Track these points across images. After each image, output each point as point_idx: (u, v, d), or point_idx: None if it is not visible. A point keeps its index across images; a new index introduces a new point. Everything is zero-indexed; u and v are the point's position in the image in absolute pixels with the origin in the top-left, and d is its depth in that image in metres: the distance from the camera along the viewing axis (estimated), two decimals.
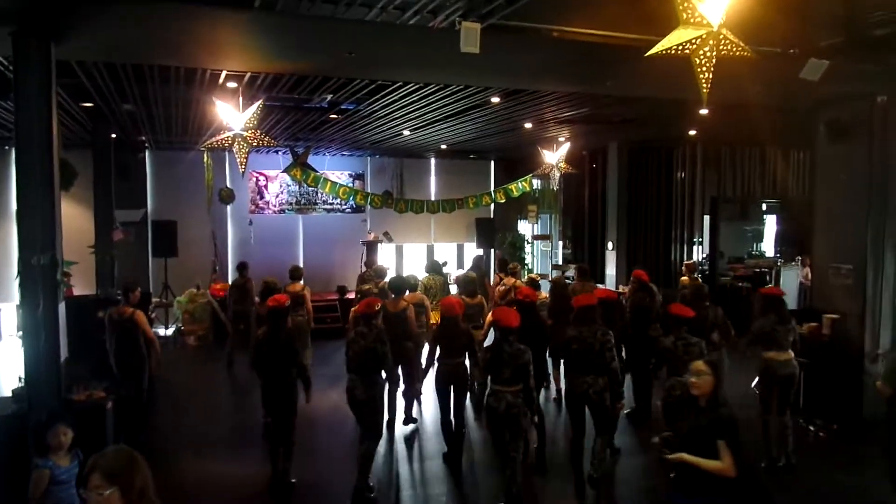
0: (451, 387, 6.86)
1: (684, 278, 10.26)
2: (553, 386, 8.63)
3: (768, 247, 16.19)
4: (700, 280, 10.32)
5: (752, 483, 4.19)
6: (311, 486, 6.40)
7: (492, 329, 6.25)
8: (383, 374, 6.27)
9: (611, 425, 6.60)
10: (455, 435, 6.94)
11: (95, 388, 6.23)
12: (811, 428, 7.82)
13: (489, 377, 5.64)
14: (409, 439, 7.69)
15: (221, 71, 7.34)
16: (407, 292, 8.19)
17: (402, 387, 7.76)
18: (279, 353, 6.22)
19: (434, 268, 10.37)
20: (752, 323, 6.98)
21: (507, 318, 5.79)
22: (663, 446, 4.07)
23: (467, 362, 6.93)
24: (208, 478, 6.62)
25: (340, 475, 6.50)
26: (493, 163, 17.69)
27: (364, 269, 12.59)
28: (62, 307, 5.71)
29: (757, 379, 7.05)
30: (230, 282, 14.27)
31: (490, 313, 6.73)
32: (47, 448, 4.31)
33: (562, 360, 6.72)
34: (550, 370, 7.63)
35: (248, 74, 7.47)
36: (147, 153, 14.57)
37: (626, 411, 8.00)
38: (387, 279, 9.88)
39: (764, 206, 15.88)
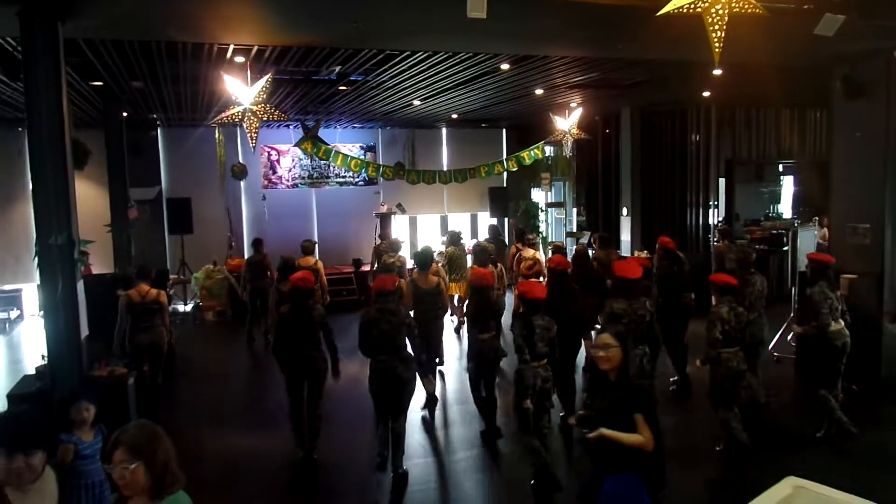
0: (489, 361, 6.70)
1: (720, 244, 10.11)
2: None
3: (786, 208, 16.02)
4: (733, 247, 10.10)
5: (657, 458, 3.90)
6: (333, 461, 6.45)
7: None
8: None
9: None
10: (490, 410, 6.84)
11: (117, 364, 6.34)
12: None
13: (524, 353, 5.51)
14: (430, 413, 7.63)
15: (228, 45, 7.31)
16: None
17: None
18: (306, 332, 6.17)
19: (454, 240, 10.35)
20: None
21: (533, 291, 5.72)
22: (581, 426, 3.88)
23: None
24: (228, 453, 6.73)
25: (362, 448, 6.60)
26: (504, 131, 17.57)
27: (378, 241, 12.61)
28: (81, 285, 5.78)
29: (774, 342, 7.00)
30: (246, 258, 14.46)
31: (517, 286, 6.56)
32: (71, 423, 4.41)
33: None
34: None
35: (256, 48, 7.43)
36: (159, 131, 14.63)
37: (671, 388, 7.98)
38: (402, 253, 9.90)
39: (780, 168, 15.68)
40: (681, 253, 8.57)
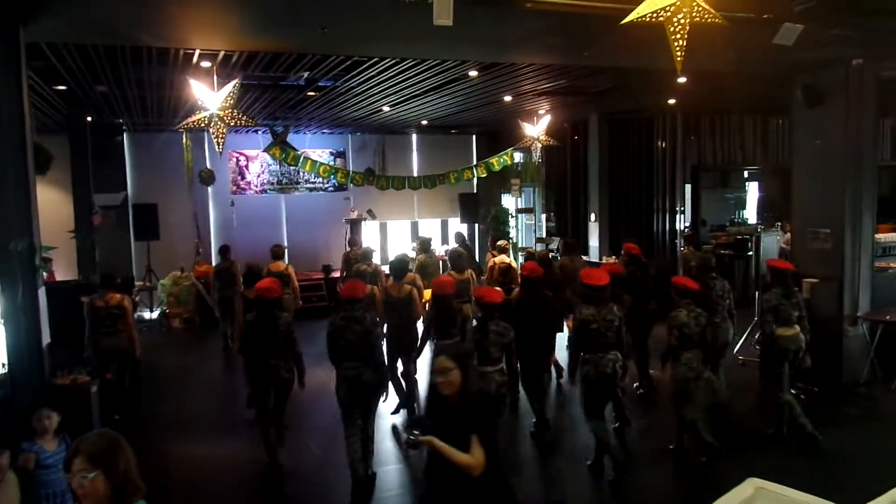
0: None
1: (685, 250, 10.25)
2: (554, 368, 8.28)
3: (751, 214, 16.30)
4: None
5: (500, 482, 3.61)
6: (301, 467, 6.41)
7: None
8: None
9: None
10: None
11: (80, 372, 6.23)
12: (792, 391, 7.94)
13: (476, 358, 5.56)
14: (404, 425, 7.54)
15: (194, 50, 7.26)
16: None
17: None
18: (271, 339, 6.12)
19: (424, 247, 10.38)
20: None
21: (489, 297, 5.80)
22: (411, 447, 3.74)
23: None
24: (194, 462, 6.65)
25: (331, 455, 6.56)
26: (474, 137, 17.65)
27: (348, 248, 12.58)
28: (42, 292, 5.69)
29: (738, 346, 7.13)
30: (213, 264, 14.30)
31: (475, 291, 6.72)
32: (33, 432, 4.34)
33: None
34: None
35: (222, 53, 7.39)
36: (125, 135, 14.44)
37: (638, 391, 8.09)
38: (375, 260, 9.89)
39: (745, 174, 15.97)
40: (645, 259, 8.73)
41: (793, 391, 7.74)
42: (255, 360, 6.16)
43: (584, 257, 12.09)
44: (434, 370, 3.60)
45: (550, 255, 10.43)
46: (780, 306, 6.50)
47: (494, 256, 9.98)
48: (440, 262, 10.75)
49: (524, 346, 6.59)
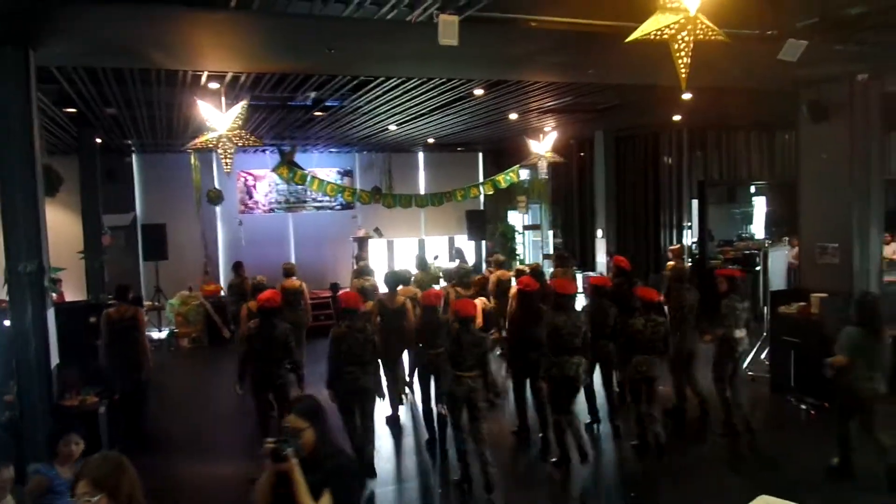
0: (433, 377, 7.08)
1: (671, 263, 10.34)
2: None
3: (758, 229, 16.25)
4: (686, 264, 10.47)
5: None
6: None
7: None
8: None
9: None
10: (439, 423, 7.06)
11: (88, 393, 6.25)
12: (802, 406, 7.88)
13: (451, 365, 5.96)
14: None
15: (202, 72, 7.33)
16: (401, 286, 8.23)
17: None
18: (272, 348, 6.46)
19: (421, 264, 10.52)
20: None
21: (464, 309, 6.14)
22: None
23: None
24: (203, 481, 6.64)
25: None
26: (481, 154, 17.70)
27: (356, 265, 12.61)
28: (51, 313, 5.72)
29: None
30: (221, 283, 14.36)
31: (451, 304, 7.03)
32: (55, 456, 4.31)
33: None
34: None
35: (230, 74, 7.47)
36: (134, 157, 14.54)
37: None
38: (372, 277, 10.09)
39: (752, 189, 15.95)
40: (632, 272, 8.79)
41: (803, 406, 7.77)
42: (255, 366, 6.55)
43: (591, 273, 12.08)
44: (286, 431, 3.08)
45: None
46: (739, 311, 7.04)
47: (492, 273, 10.10)
48: (439, 278, 10.86)
49: (518, 358, 7.06)
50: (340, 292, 6.86)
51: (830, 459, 5.98)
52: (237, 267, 11.28)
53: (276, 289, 8.75)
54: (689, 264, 13.09)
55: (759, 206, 16.39)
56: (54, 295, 7.91)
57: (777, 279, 9.94)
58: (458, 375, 5.88)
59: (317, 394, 7.11)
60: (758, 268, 11.33)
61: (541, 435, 7.05)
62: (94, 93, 8.28)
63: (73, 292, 11.92)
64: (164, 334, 13.60)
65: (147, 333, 8.40)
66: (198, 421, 8.61)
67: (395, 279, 8.00)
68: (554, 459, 6.54)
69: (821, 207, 8.55)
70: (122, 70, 7.32)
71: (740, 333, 7.07)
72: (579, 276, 12.97)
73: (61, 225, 11.78)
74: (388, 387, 7.74)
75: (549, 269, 12.86)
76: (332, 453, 3.13)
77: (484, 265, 14.94)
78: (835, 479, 5.88)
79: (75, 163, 11.31)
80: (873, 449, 5.74)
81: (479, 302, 8.06)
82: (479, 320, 7.84)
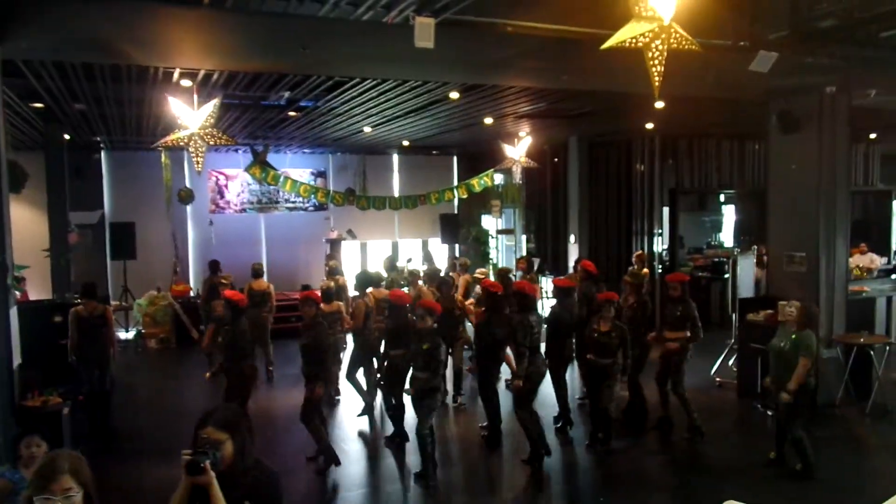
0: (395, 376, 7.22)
1: (633, 269, 10.45)
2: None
3: (727, 237, 16.47)
4: (647, 271, 10.66)
5: None
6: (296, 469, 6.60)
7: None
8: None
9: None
10: (399, 416, 7.36)
11: (51, 393, 6.11)
12: (769, 413, 7.98)
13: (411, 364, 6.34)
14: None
15: (174, 69, 7.23)
16: (370, 288, 8.38)
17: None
18: (238, 342, 6.77)
19: (392, 265, 10.67)
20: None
21: (400, 300, 6.80)
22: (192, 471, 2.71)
23: None
24: (167, 480, 6.50)
25: (296, 471, 6.59)
26: (455, 158, 17.70)
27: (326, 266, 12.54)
28: (14, 312, 5.60)
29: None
30: (191, 283, 14.17)
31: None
32: (18, 458, 4.24)
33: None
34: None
35: (202, 72, 7.37)
36: (103, 154, 14.30)
37: (578, 402, 8.49)
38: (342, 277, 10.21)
39: (722, 197, 16.16)
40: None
41: (769, 412, 7.88)
42: (226, 359, 6.87)
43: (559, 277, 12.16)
44: (204, 443, 2.81)
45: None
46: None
47: (461, 275, 10.22)
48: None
49: (484, 359, 7.28)
50: (301, 293, 6.96)
51: (794, 464, 6.18)
52: (214, 266, 11.09)
53: (244, 289, 8.95)
54: (659, 271, 13.27)
55: (729, 214, 16.62)
56: (18, 294, 7.76)
57: (745, 287, 10.06)
58: (414, 376, 6.27)
59: (286, 397, 7.24)
60: (727, 275, 11.48)
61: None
62: (63, 88, 8.13)
63: (38, 291, 11.68)
64: (131, 335, 13.39)
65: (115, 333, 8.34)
66: (165, 421, 8.46)
67: (365, 280, 8.08)
68: (524, 458, 6.66)
69: (789, 217, 8.68)
70: (91, 65, 7.19)
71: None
72: (544, 280, 13.05)
73: (26, 222, 11.54)
74: (357, 387, 8.29)
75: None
76: (252, 466, 2.86)
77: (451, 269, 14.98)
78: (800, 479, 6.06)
79: (42, 159, 11.09)
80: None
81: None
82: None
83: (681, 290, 7.35)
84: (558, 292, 7.90)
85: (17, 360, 5.61)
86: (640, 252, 11.87)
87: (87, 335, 7.64)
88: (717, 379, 9.30)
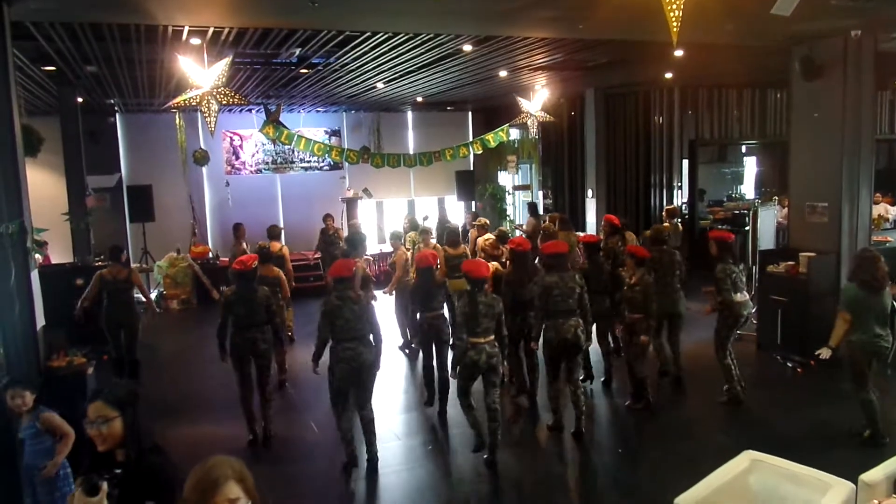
0: (433, 340, 6.95)
1: (666, 224, 10.33)
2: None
3: (748, 189, 16.23)
4: (679, 225, 10.48)
5: None
6: (291, 442, 6.55)
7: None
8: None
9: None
10: (440, 387, 7.02)
11: (75, 354, 6.21)
12: (789, 364, 7.97)
13: (466, 330, 5.64)
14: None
15: (183, 27, 7.15)
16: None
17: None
18: (253, 312, 6.35)
19: (414, 225, 10.59)
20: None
21: (477, 270, 5.85)
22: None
23: (446, 314, 7.09)
24: (190, 440, 6.63)
25: (323, 431, 6.61)
26: (470, 114, 17.52)
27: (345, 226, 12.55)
28: (35, 274, 5.65)
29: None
30: (210, 244, 14.26)
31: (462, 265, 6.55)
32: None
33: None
34: None
35: (212, 30, 7.28)
36: (117, 117, 14.31)
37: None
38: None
39: (743, 149, 15.89)
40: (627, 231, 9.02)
41: (789, 364, 7.83)
42: (236, 331, 6.35)
43: (580, 233, 12.05)
44: (89, 418, 2.72)
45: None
46: (734, 275, 6.81)
47: (479, 234, 10.11)
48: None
49: (513, 319, 6.79)
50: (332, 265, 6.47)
51: (862, 432, 5.88)
52: (236, 228, 10.93)
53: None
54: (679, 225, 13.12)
55: (750, 166, 16.36)
56: (39, 258, 7.84)
57: (766, 239, 9.94)
58: (475, 343, 5.63)
59: (303, 360, 7.20)
60: (747, 228, 11.34)
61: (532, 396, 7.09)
62: (73, 49, 8.08)
63: (60, 255, 11.81)
64: (153, 296, 13.54)
65: (136, 296, 8.35)
66: (187, 382, 8.62)
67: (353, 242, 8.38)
68: (549, 424, 6.48)
69: (811, 166, 8.51)
70: (100, 25, 7.11)
71: (741, 297, 6.84)
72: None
73: (44, 186, 11.63)
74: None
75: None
76: (150, 450, 2.81)
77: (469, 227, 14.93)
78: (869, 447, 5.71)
79: (57, 123, 11.08)
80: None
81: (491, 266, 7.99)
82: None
83: (716, 249, 6.97)
84: (587, 248, 7.77)
85: (40, 321, 5.68)
86: (671, 206, 11.75)
87: (113, 299, 7.63)
88: (738, 332, 9.23)
